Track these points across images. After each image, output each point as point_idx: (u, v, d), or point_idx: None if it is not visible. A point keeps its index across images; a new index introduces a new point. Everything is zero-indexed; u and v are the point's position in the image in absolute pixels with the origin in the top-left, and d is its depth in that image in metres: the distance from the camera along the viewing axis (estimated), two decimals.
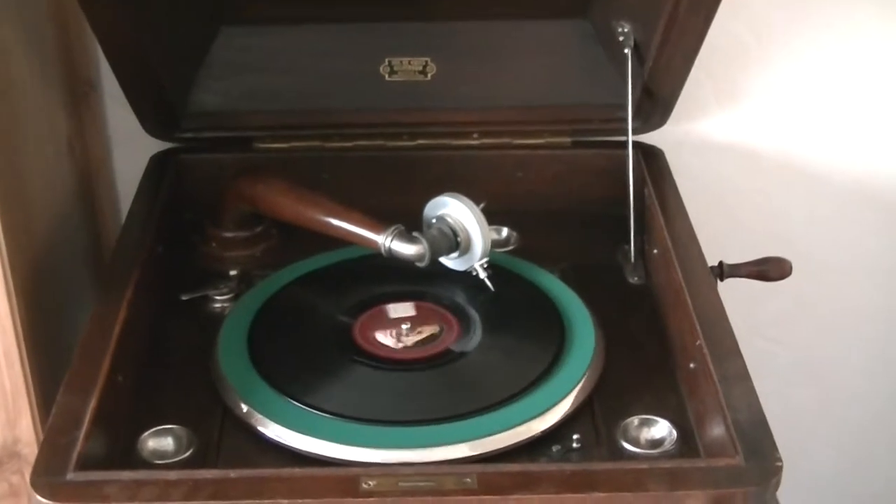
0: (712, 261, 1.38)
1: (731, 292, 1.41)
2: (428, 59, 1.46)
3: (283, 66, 1.47)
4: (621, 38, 1.38)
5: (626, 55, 1.37)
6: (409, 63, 1.46)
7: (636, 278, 1.38)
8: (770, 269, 1.36)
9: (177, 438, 1.13)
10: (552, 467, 1.01)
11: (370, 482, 0.99)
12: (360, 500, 0.98)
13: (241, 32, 1.46)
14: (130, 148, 1.54)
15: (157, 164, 1.49)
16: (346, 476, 1.00)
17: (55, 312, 1.38)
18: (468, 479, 0.99)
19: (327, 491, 0.99)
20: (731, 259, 1.40)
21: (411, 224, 1.29)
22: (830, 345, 1.78)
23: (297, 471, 1.01)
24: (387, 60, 1.46)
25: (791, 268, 1.37)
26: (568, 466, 1.01)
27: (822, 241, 1.68)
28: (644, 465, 1.01)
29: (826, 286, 1.73)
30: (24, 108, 1.32)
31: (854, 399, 1.84)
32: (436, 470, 1.02)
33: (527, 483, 0.99)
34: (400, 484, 0.99)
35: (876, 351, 1.80)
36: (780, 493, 1.96)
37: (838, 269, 1.71)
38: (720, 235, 1.61)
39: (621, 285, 1.38)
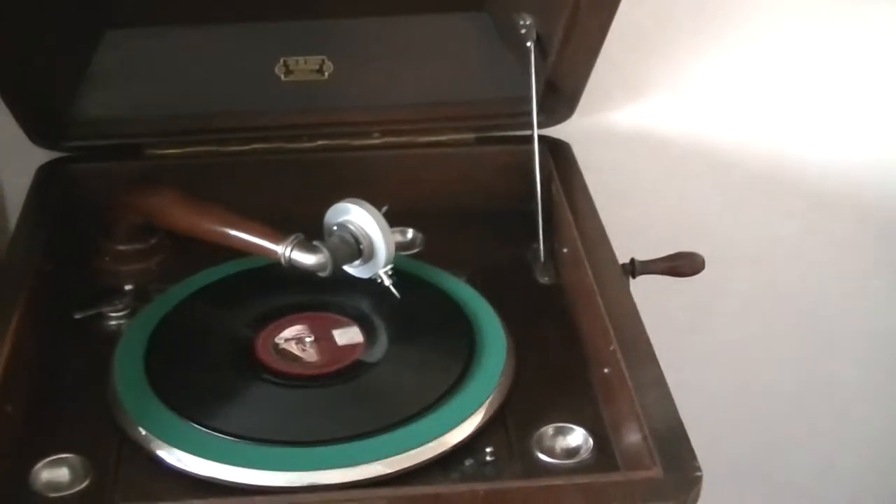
0: (626, 256, 1.36)
1: (645, 282, 1.39)
2: (324, 58, 1.42)
3: (173, 69, 1.41)
4: (523, 31, 1.34)
5: (528, 48, 1.34)
6: (305, 62, 1.42)
7: (546, 278, 1.34)
8: (682, 265, 1.34)
9: (72, 468, 1.08)
10: (464, 488, 0.97)
11: None
12: None
13: (128, 35, 1.40)
14: (19, 158, 1.45)
15: (45, 176, 1.42)
16: None
17: None
18: None
19: None
20: (647, 252, 1.38)
21: (315, 227, 1.25)
22: (747, 333, 1.77)
23: (195, 502, 0.97)
24: (282, 60, 1.41)
25: (703, 262, 1.34)
26: (481, 486, 0.97)
27: (736, 229, 1.67)
28: (560, 481, 0.98)
29: (741, 274, 1.71)
30: None
31: (771, 387, 1.83)
32: (345, 496, 0.97)
33: None
34: None
35: (792, 338, 1.79)
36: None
37: (753, 256, 1.70)
38: (634, 228, 1.59)
39: (532, 286, 1.34)
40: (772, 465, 1.92)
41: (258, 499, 0.98)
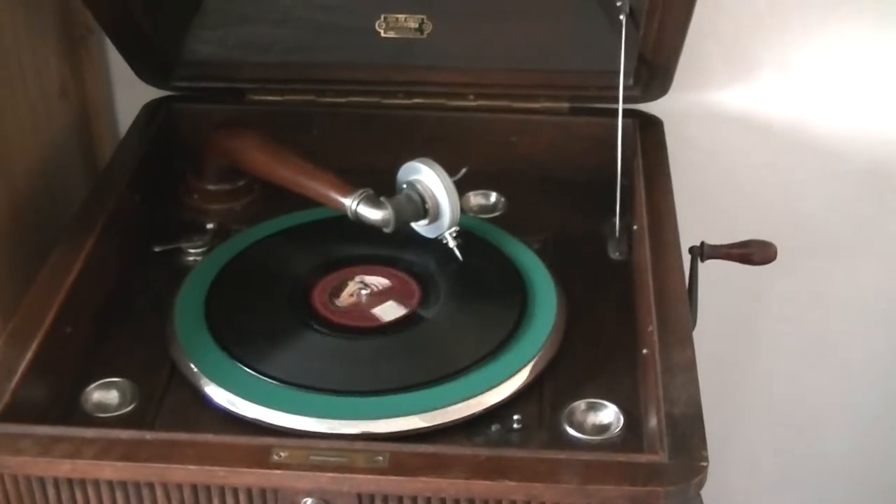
0: (712, 238, 1.33)
1: (740, 269, 1.37)
2: (424, 17, 1.43)
3: (277, 18, 1.44)
4: (619, 3, 1.33)
5: (620, 21, 1.32)
6: (405, 20, 1.43)
7: (618, 254, 1.33)
8: (753, 253, 1.30)
9: (121, 392, 1.14)
10: (467, 451, 0.98)
11: (281, 453, 0.98)
12: (269, 470, 0.97)
13: None
14: (134, 93, 1.52)
15: (149, 112, 1.48)
16: (259, 446, 0.99)
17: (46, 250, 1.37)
18: (380, 458, 0.98)
19: (237, 460, 0.98)
20: (734, 238, 1.35)
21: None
22: (845, 325, 1.72)
23: (211, 437, 1.00)
24: (382, 16, 1.43)
25: (776, 252, 1.31)
26: (483, 451, 0.98)
27: (837, 221, 1.61)
28: (561, 455, 0.98)
29: (840, 266, 1.66)
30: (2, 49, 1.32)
31: (866, 382, 1.78)
32: (349, 446, 0.99)
33: (437, 466, 0.96)
34: (311, 458, 0.98)
35: (892, 334, 1.72)
36: (791, 477, 1.93)
37: (853, 249, 1.64)
38: (728, 211, 1.57)
39: (602, 260, 1.33)
40: (871, 464, 1.86)
41: (268, 439, 1.00)
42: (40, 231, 1.39)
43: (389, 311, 1.21)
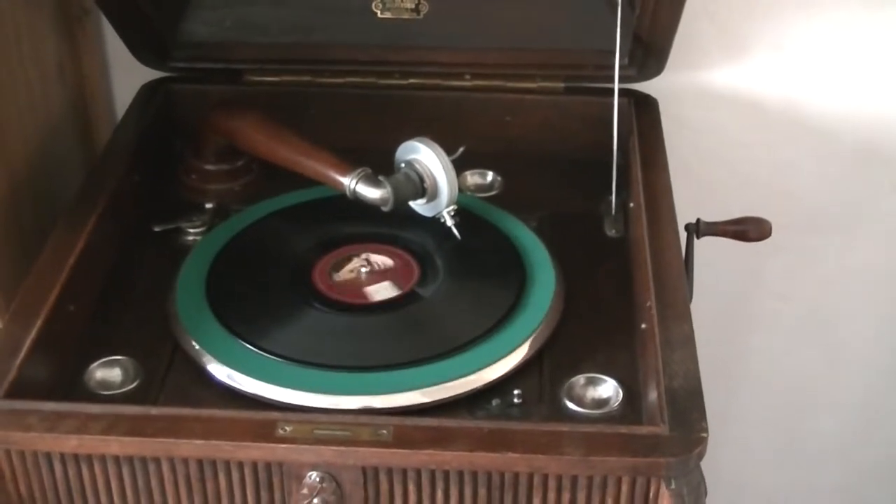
0: (707, 216, 1.35)
1: (736, 247, 1.38)
2: None
3: None
4: None
5: (616, 1, 1.33)
6: (402, 0, 1.44)
7: (614, 231, 1.34)
8: (749, 230, 1.32)
9: (124, 370, 1.14)
10: (470, 424, 1.00)
11: (286, 427, 0.99)
12: (274, 444, 0.98)
13: None
14: (130, 74, 1.52)
15: (147, 93, 1.49)
16: (264, 420, 1.00)
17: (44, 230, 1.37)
18: (384, 431, 0.99)
19: (243, 434, 0.99)
20: (731, 215, 1.36)
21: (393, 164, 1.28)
22: (838, 303, 1.73)
23: (216, 412, 1.01)
24: None
25: (770, 229, 1.32)
26: (486, 424, 0.99)
27: (830, 199, 1.62)
28: (564, 428, 0.99)
29: (833, 244, 1.67)
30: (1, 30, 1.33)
31: (860, 359, 1.79)
32: (353, 420, 1.01)
33: (441, 439, 0.98)
34: (316, 432, 0.99)
35: (884, 311, 1.74)
36: (785, 453, 1.94)
37: (846, 226, 1.65)
38: (721, 190, 1.58)
39: (599, 237, 1.34)
40: (862, 441, 1.88)
41: (273, 414, 1.02)
42: (38, 211, 1.39)
43: (382, 292, 1.22)
